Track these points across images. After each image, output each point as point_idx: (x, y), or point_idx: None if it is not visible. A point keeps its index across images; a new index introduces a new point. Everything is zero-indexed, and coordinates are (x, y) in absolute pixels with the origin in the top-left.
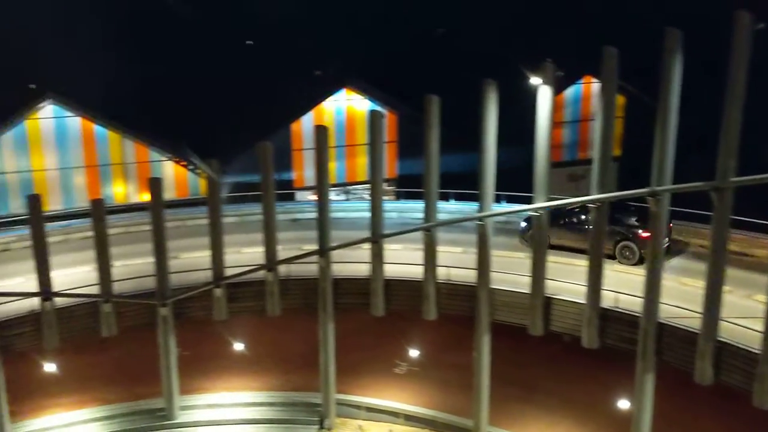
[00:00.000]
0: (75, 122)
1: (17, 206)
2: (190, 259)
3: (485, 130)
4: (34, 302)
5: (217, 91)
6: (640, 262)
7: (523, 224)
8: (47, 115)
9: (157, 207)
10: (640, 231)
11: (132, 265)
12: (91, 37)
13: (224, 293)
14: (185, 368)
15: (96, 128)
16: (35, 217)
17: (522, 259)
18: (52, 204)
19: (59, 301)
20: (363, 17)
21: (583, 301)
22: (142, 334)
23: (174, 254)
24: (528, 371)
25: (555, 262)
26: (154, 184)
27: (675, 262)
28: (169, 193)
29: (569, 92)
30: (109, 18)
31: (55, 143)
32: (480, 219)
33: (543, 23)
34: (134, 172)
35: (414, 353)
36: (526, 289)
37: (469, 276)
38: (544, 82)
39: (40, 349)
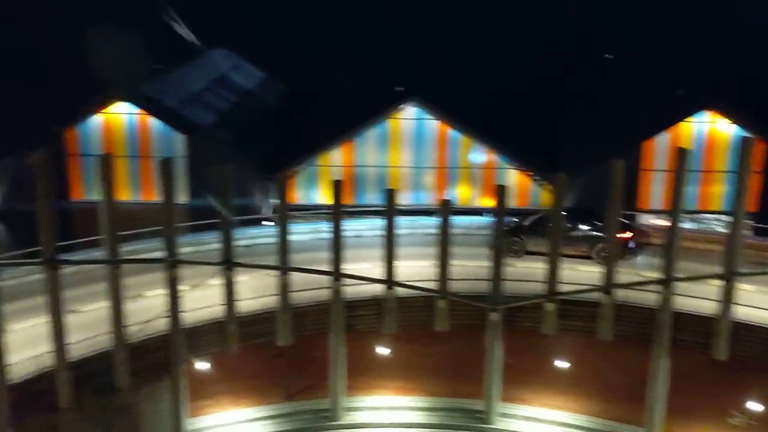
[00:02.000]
0: (432, 125)
1: (371, 198)
2: (525, 269)
3: None
4: (378, 288)
5: (571, 104)
6: None
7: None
8: (408, 116)
9: (500, 213)
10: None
11: (467, 266)
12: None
13: (556, 309)
14: (507, 375)
15: (450, 132)
16: (389, 209)
17: None
18: (403, 199)
19: (400, 290)
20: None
21: None
22: (468, 333)
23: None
24: None
25: None
26: (500, 191)
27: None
28: (511, 201)
29: None
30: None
31: (411, 143)
32: None
33: None
34: (479, 176)
35: (757, 408)
36: None
37: None
38: None
39: (377, 333)
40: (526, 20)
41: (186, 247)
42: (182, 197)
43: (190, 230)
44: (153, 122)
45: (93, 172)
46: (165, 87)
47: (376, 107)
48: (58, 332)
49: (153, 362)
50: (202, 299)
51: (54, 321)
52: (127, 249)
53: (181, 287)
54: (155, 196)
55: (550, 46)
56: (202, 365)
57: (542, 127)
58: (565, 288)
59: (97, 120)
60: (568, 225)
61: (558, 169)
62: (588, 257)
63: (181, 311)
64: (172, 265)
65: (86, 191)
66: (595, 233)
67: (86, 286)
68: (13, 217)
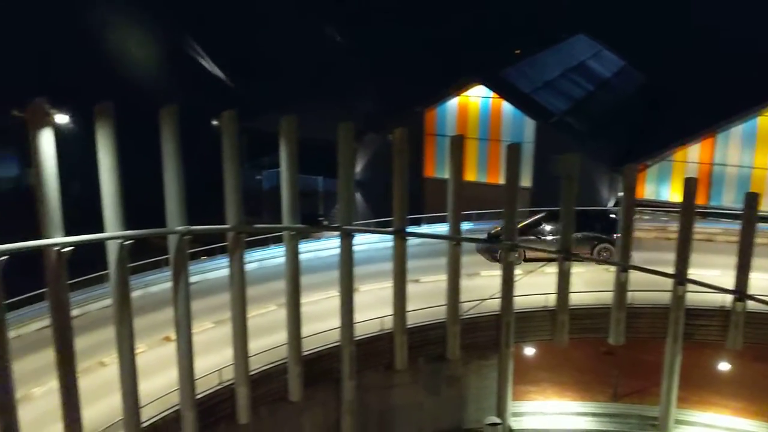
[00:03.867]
0: None
1: (730, 200)
2: None
3: None
4: (726, 299)
5: None
6: None
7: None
8: None
9: None
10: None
11: None
12: None
13: None
14: None
15: None
16: (748, 214)
17: None
18: (766, 205)
19: (750, 304)
20: None
21: None
22: None
23: None
24: None
25: None
26: None
27: None
28: None
29: None
30: None
31: None
32: None
33: None
34: None
35: None
36: None
37: None
38: None
39: (717, 345)
40: None
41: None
42: (526, 182)
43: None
44: (506, 107)
45: (445, 151)
46: (521, 72)
47: (743, 104)
48: (400, 298)
49: (482, 340)
50: (536, 286)
51: (397, 288)
52: (468, 228)
53: (516, 271)
54: (500, 179)
55: None
56: (529, 351)
57: None
58: None
59: (454, 102)
60: (553, 228)
61: None
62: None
63: (515, 295)
64: (510, 248)
65: (437, 169)
66: (593, 234)
67: (429, 259)
68: (370, 188)
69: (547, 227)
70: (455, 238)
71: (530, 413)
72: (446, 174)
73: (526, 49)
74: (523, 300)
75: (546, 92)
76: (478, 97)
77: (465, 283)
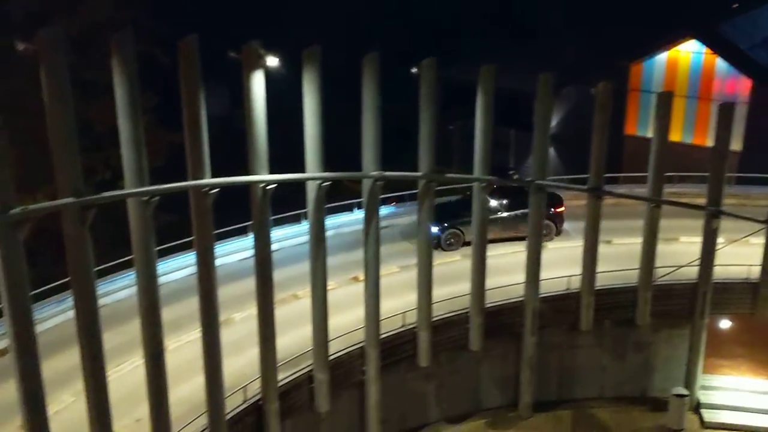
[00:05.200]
0: None
1: None
2: None
3: None
4: None
5: None
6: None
7: (435, 229)
8: None
9: None
10: (556, 208)
11: None
12: None
13: None
14: None
15: None
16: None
17: None
18: None
19: None
20: None
21: None
22: None
23: None
24: None
25: None
26: None
27: None
28: None
29: None
30: None
31: None
32: None
33: None
34: None
35: None
36: None
37: None
38: None
39: None
40: None
41: (730, 199)
42: (736, 145)
43: (736, 181)
44: (719, 63)
45: (650, 109)
46: (738, 27)
47: None
48: (590, 258)
49: (675, 308)
50: (738, 256)
51: (587, 247)
52: (670, 190)
53: (719, 239)
54: (707, 141)
55: None
56: (725, 324)
57: None
58: None
59: (662, 57)
60: (507, 203)
61: None
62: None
63: (715, 264)
64: (713, 215)
65: (639, 127)
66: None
67: (624, 220)
68: (566, 142)
69: (495, 203)
70: (654, 200)
71: (721, 388)
72: (649, 133)
73: (745, 2)
74: (722, 270)
75: (764, 50)
76: (689, 52)
77: (661, 247)
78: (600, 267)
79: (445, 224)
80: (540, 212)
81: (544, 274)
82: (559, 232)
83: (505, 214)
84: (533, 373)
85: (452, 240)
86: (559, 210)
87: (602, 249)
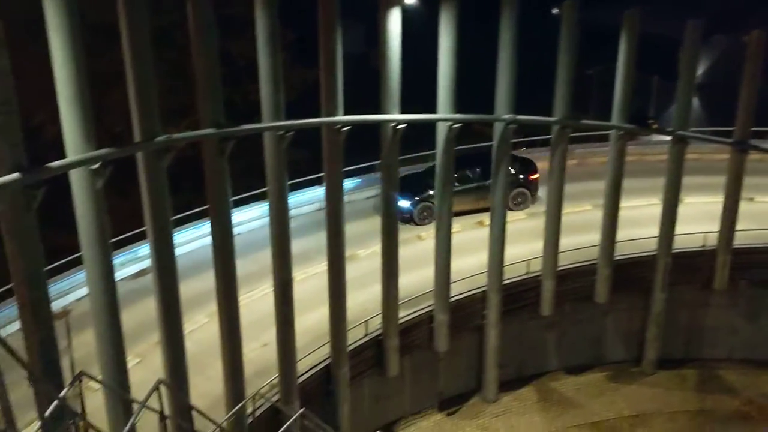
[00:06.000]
0: None
1: None
2: None
3: None
4: None
5: None
6: None
7: (406, 203)
8: None
9: None
10: (530, 175)
11: None
12: None
13: None
14: None
15: None
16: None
17: None
18: None
19: None
20: None
21: None
22: None
23: None
24: None
25: None
26: None
27: None
28: None
29: None
30: None
31: None
32: None
33: None
34: None
35: None
36: None
37: None
38: None
39: None
40: None
41: None
42: None
43: None
44: None
45: None
46: None
47: None
48: (729, 215)
49: None
50: None
51: (727, 203)
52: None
53: None
54: None
55: None
56: None
57: None
58: None
59: None
60: (474, 173)
61: None
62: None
63: None
64: None
65: None
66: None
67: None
68: (711, 92)
69: (469, 173)
70: None
71: None
72: None
73: None
74: None
75: None
76: None
77: None
78: (739, 225)
79: (416, 198)
80: (680, 165)
81: (679, 229)
82: (534, 200)
83: (476, 185)
84: (660, 330)
85: (426, 214)
86: (533, 177)
87: (743, 206)
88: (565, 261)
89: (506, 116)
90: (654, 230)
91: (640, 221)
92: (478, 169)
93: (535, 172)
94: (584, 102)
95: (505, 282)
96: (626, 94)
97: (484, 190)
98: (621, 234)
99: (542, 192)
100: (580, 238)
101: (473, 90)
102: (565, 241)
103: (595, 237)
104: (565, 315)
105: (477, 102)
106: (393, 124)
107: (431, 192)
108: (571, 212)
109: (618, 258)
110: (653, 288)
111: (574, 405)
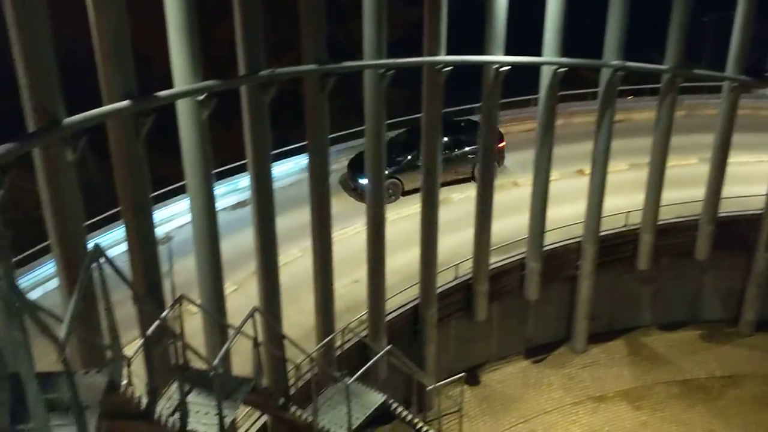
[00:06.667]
0: None
1: None
2: None
3: None
4: None
5: None
6: None
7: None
8: None
9: None
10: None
11: None
12: None
13: None
14: None
15: None
16: None
17: None
18: None
19: None
20: None
21: None
22: None
23: None
24: None
25: None
26: None
27: None
28: None
29: None
30: None
31: None
32: None
33: None
34: None
35: None
36: None
37: None
38: None
39: None
40: None
41: None
42: None
43: None
44: None
45: None
46: None
47: None
48: None
49: None
50: None
51: None
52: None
53: None
54: None
55: None
56: None
57: None
58: None
59: None
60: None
61: None
62: (470, 179)
63: None
64: None
65: None
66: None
67: None
68: None
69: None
70: None
71: None
72: None
73: None
74: None
75: None
76: None
77: None
78: None
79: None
80: None
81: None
82: (501, 168)
83: (444, 155)
84: (760, 291)
85: (391, 191)
86: (500, 145)
87: None
88: (666, 215)
89: (615, 62)
90: (762, 188)
91: (748, 178)
92: (446, 139)
93: (501, 141)
94: (696, 51)
95: (602, 233)
96: (743, 43)
97: (456, 161)
98: (726, 191)
99: (509, 161)
100: (684, 192)
101: (576, 34)
102: (668, 195)
103: (699, 192)
104: (662, 270)
105: (578, 46)
106: (496, 66)
107: (395, 167)
108: (675, 165)
109: (722, 215)
110: (756, 248)
111: (665, 361)
